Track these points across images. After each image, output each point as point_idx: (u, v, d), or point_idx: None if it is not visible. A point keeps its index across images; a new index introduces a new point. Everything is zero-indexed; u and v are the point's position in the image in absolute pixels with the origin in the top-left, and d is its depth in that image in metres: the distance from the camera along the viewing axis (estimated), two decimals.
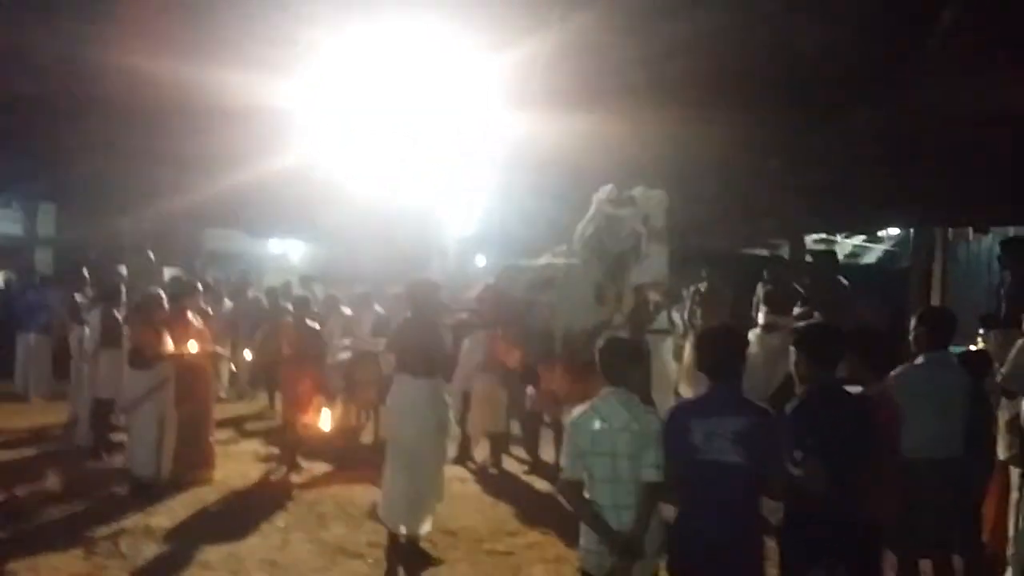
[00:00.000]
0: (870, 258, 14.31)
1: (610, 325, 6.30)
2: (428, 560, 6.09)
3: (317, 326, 9.04)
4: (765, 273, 10.20)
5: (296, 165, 12.34)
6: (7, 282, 16.10)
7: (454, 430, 7.28)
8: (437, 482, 6.20)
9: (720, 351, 3.85)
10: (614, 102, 9.61)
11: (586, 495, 3.83)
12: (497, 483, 8.51)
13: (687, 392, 10.05)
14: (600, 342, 4.15)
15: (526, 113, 10.81)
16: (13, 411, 11.09)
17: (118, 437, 8.62)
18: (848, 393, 3.96)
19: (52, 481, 7.84)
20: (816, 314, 9.02)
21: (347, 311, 10.72)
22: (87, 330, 9.25)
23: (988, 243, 11.54)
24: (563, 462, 3.94)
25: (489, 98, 11.46)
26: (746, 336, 4.05)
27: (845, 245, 13.34)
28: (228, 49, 9.96)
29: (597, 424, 3.81)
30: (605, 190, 6.61)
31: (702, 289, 10.19)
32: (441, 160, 13.04)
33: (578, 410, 3.94)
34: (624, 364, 4.00)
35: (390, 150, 12.82)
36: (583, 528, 3.86)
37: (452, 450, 8.21)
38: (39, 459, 8.66)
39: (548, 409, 8.88)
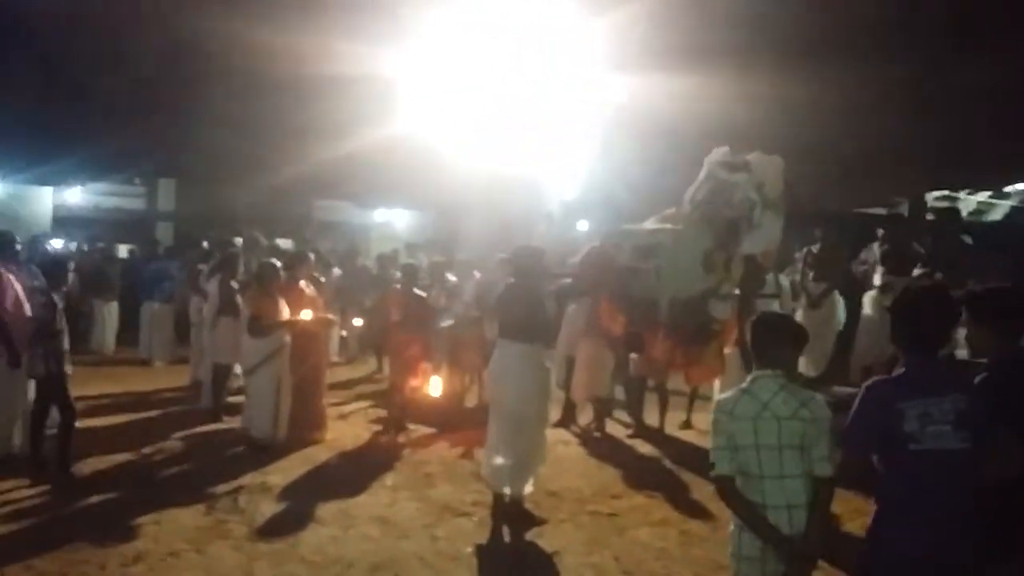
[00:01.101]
0: (996, 215, 13.58)
1: (717, 293, 6.18)
2: (532, 520, 6.15)
3: (424, 293, 9.15)
4: (879, 232, 9.80)
5: (401, 134, 12.52)
6: (131, 254, 16.91)
7: (557, 394, 7.25)
8: (539, 445, 6.25)
9: (927, 318, 3.25)
10: (718, 62, 9.37)
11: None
12: (600, 447, 8.50)
13: (802, 361, 9.79)
14: (755, 318, 3.71)
15: (628, 76, 10.66)
16: (138, 375, 11.70)
17: (237, 400, 8.95)
18: None
19: (175, 441, 8.23)
20: (938, 275, 8.65)
21: (452, 278, 10.83)
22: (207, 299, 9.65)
23: None
24: (714, 456, 3.42)
25: (591, 61, 11.34)
26: (956, 301, 3.46)
27: (969, 202, 12.67)
28: (335, 20, 10.15)
29: (758, 412, 3.34)
30: (719, 152, 6.43)
31: (814, 251, 9.85)
32: (544, 125, 12.99)
33: (727, 396, 3.51)
34: (784, 344, 3.51)
35: (493, 117, 12.85)
36: (736, 533, 3.42)
37: (555, 414, 8.23)
38: (163, 421, 9.08)
39: (652, 374, 8.81)
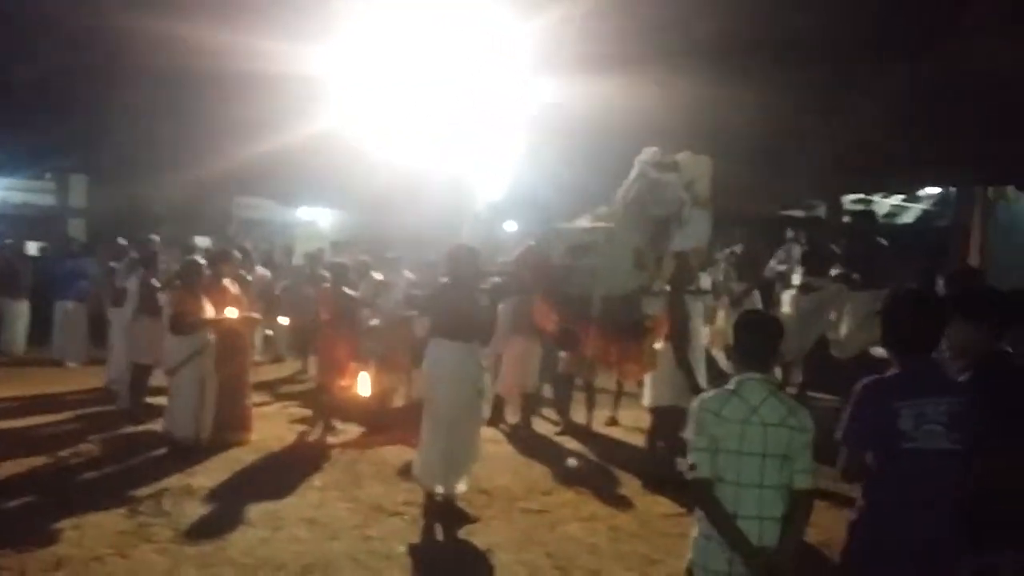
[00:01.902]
0: (908, 218, 14.14)
1: (649, 290, 6.28)
2: (464, 518, 6.15)
3: (353, 292, 9.06)
4: (791, 233, 10.09)
5: (326, 132, 12.36)
6: (42, 252, 16.30)
7: (489, 393, 7.27)
8: (473, 443, 6.27)
9: (915, 319, 3.30)
10: (645, 66, 9.51)
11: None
12: (529, 445, 8.55)
13: (719, 356, 10.03)
14: (739, 317, 3.64)
15: (556, 78, 10.74)
16: (51, 376, 11.26)
17: (157, 401, 8.72)
18: (1016, 366, 3.55)
19: (93, 444, 7.95)
20: (855, 276, 8.96)
21: (378, 276, 10.74)
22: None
23: None
24: (692, 458, 3.25)
25: (520, 62, 11.39)
26: (944, 304, 3.52)
27: (883, 205, 13.16)
28: (258, 14, 9.96)
29: (747, 416, 3.20)
30: (649, 152, 6.53)
31: (737, 251, 10.10)
32: (471, 125, 13.00)
33: (712, 396, 3.35)
34: (770, 345, 3.43)
35: (420, 116, 12.80)
36: (702, 543, 3.26)
37: (486, 412, 8.24)
38: (79, 423, 8.78)
39: (580, 372, 8.91)
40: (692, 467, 3.25)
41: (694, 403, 3.36)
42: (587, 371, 8.88)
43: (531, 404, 9.16)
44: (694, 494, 3.31)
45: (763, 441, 3.19)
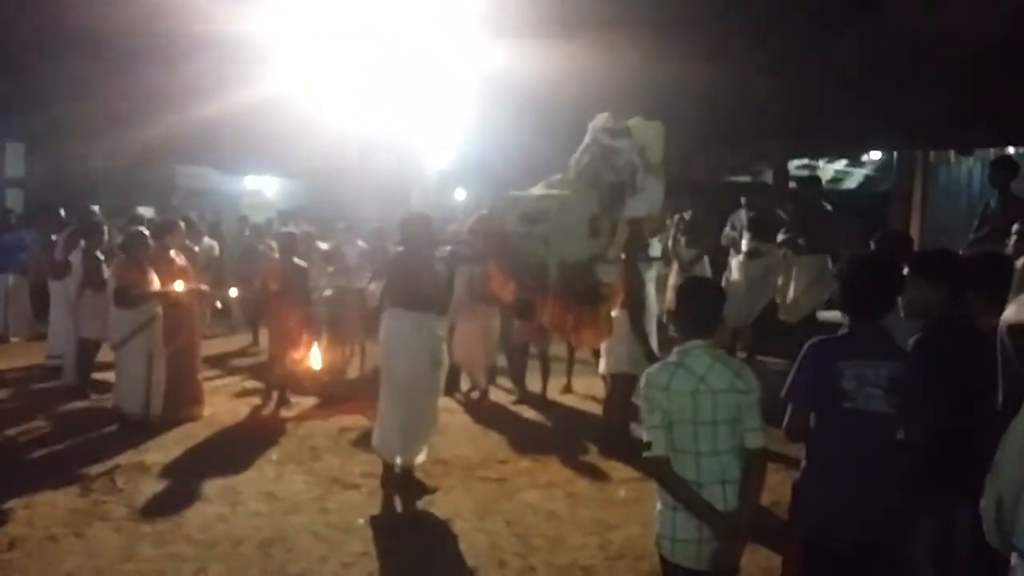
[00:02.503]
0: (851, 183, 14.39)
1: (604, 257, 6.31)
2: (423, 489, 6.16)
3: (303, 263, 8.96)
4: (744, 200, 10.22)
5: (270, 97, 12.16)
6: None
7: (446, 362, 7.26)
8: (431, 414, 6.27)
9: (869, 284, 3.38)
10: (592, 32, 9.52)
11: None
12: (485, 414, 8.57)
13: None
14: (681, 284, 3.62)
15: (504, 44, 10.68)
16: None
17: (105, 377, 8.57)
18: (974, 327, 3.56)
19: (41, 422, 7.83)
20: (801, 240, 9.13)
21: (324, 247, 10.63)
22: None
23: (969, 165, 11.61)
24: (649, 435, 3.23)
25: (466, 28, 11.29)
26: (900, 269, 3.56)
27: (827, 170, 13.38)
28: None
29: (695, 386, 3.21)
30: (601, 118, 6.53)
31: (686, 217, 10.20)
32: (418, 91, 12.88)
33: (657, 371, 3.32)
34: (713, 311, 3.43)
35: (366, 81, 12.64)
36: (669, 515, 3.27)
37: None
38: (25, 400, 8.64)
39: (535, 341, 8.95)
40: (648, 446, 3.25)
41: (642, 379, 3.36)
42: (542, 340, 8.92)
43: (487, 374, 9.18)
44: (654, 472, 3.32)
45: (713, 408, 3.21)
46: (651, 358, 6.93)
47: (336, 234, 11.24)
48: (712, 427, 3.21)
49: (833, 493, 3.27)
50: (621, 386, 7.12)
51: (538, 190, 6.62)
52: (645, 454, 3.28)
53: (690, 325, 3.37)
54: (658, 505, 3.37)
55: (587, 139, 6.62)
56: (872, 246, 5.01)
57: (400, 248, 6.35)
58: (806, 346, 3.41)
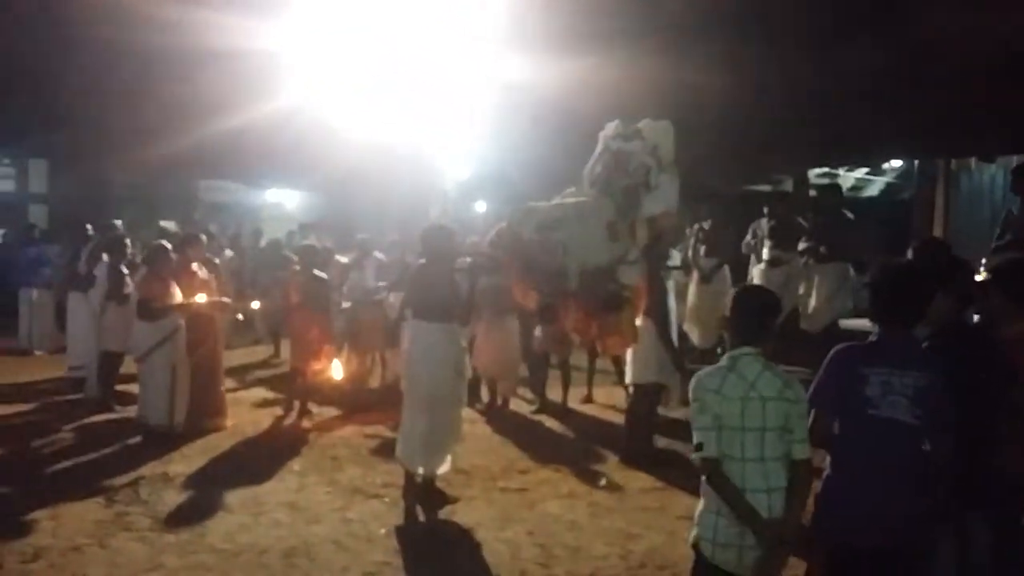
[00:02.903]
0: (872, 190, 14.31)
1: (626, 260, 6.31)
2: (444, 499, 6.17)
3: (324, 275, 9.01)
4: (766, 209, 10.20)
5: (290, 111, 12.23)
6: (3, 238, 15.99)
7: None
8: (455, 424, 6.28)
9: (901, 292, 3.38)
10: (611, 44, 9.52)
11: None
12: (506, 424, 8.59)
13: (694, 333, 10.13)
14: (736, 291, 3.63)
15: (523, 56, 10.70)
16: (18, 366, 11.15)
17: (128, 389, 8.64)
18: (986, 334, 3.66)
19: (65, 433, 7.91)
20: (822, 248, 9.08)
21: (343, 259, 10.67)
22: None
23: (991, 172, 11.53)
24: (698, 437, 3.26)
25: (485, 40, 11.33)
26: (932, 278, 3.56)
27: (848, 178, 13.31)
28: None
29: (746, 392, 3.24)
30: (611, 126, 6.56)
31: (705, 227, 10.18)
32: (437, 104, 12.93)
33: (709, 374, 3.35)
34: (766, 319, 3.42)
35: (385, 93, 12.70)
36: (712, 518, 3.29)
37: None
38: (50, 413, 8.71)
39: (555, 350, 8.95)
40: (699, 447, 3.28)
41: (692, 382, 3.37)
42: (562, 349, 8.92)
43: (512, 383, 9.19)
44: (703, 473, 3.31)
45: (763, 415, 3.22)
46: (679, 366, 6.94)
47: (355, 246, 11.28)
48: (760, 434, 3.23)
49: (855, 501, 3.27)
50: (647, 395, 7.11)
51: (556, 202, 6.64)
52: (695, 455, 3.31)
53: (742, 332, 3.39)
54: (699, 506, 3.39)
55: (599, 148, 6.65)
56: (910, 254, 4.99)
57: (422, 260, 6.37)
58: (832, 351, 3.42)
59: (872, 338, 3.46)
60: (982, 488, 3.41)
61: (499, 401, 9.11)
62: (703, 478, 3.33)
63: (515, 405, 9.23)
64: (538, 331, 8.67)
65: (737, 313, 3.45)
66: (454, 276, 6.27)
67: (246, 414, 8.72)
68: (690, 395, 3.39)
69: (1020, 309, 3.73)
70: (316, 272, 8.88)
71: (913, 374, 3.26)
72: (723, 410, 3.24)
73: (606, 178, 6.57)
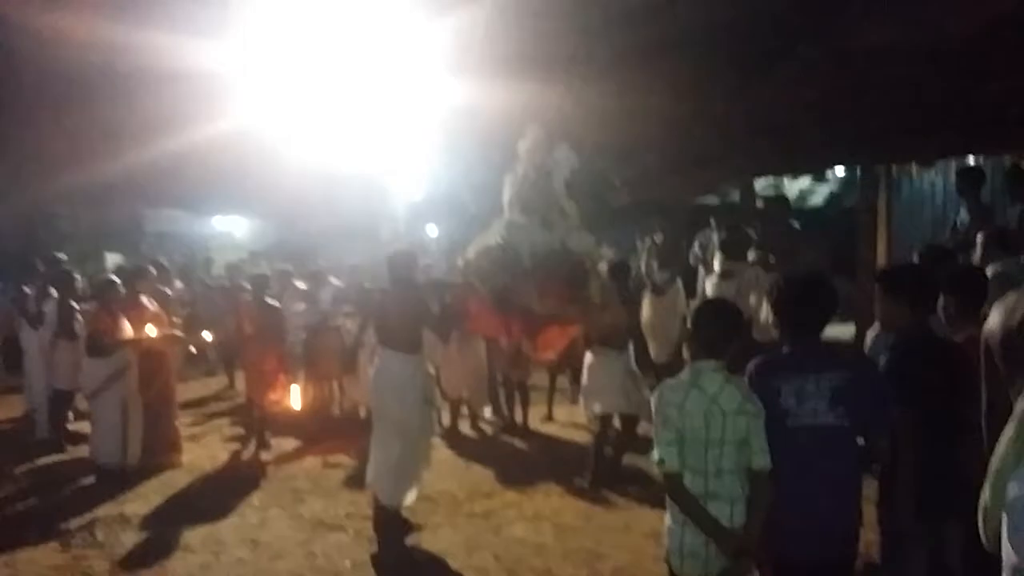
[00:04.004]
0: (817, 200, 14.58)
1: (571, 232, 6.56)
2: (409, 527, 6.12)
3: (277, 303, 8.92)
4: (713, 221, 10.33)
5: (237, 135, 12.09)
6: None
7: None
8: (425, 452, 6.28)
9: (803, 302, 3.45)
10: (556, 67, 9.59)
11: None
12: (468, 447, 8.57)
13: (651, 347, 10.21)
14: (698, 306, 3.68)
15: (470, 79, 10.71)
16: None
17: (80, 427, 8.46)
18: (940, 339, 3.66)
19: (16, 475, 7.70)
20: (771, 259, 9.21)
21: (301, 285, 10.59)
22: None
23: (931, 177, 11.81)
24: (660, 452, 3.30)
25: (432, 64, 11.34)
26: (829, 284, 3.62)
27: (792, 188, 13.56)
28: (161, 10, 9.66)
29: (708, 407, 3.26)
30: (529, 138, 6.90)
31: (657, 240, 10.28)
32: (384, 126, 12.90)
33: (672, 389, 3.38)
34: (728, 332, 3.44)
35: (332, 117, 12.64)
36: (678, 530, 3.34)
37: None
38: None
39: (513, 371, 8.96)
40: (661, 461, 3.31)
41: (654, 396, 3.40)
42: (520, 371, 8.94)
43: (464, 406, 9.19)
44: (666, 487, 3.36)
45: (722, 428, 3.26)
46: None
47: (309, 276, 11.21)
48: (720, 447, 3.27)
49: (791, 513, 3.29)
50: (625, 425, 7.14)
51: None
52: (658, 469, 3.34)
53: (704, 345, 3.42)
54: (666, 520, 3.42)
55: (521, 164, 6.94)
56: (916, 259, 5.12)
57: (386, 286, 6.35)
58: (748, 367, 3.48)
59: (783, 349, 3.51)
60: (953, 491, 3.44)
61: (470, 418, 9.09)
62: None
63: (473, 426, 9.21)
64: (498, 351, 8.70)
65: (699, 327, 3.49)
66: (422, 301, 6.24)
67: (202, 449, 8.56)
68: (653, 410, 3.41)
69: (971, 314, 3.84)
70: (269, 300, 8.79)
71: (828, 375, 3.29)
72: (685, 424, 3.27)
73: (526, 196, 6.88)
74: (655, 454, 3.34)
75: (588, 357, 7.17)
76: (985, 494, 2.50)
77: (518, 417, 9.10)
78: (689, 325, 3.56)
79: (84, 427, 8.33)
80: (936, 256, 5.10)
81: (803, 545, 3.32)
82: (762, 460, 3.28)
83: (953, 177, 10.11)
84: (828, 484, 3.30)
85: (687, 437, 3.27)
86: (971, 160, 10.40)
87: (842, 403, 3.27)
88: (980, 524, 2.56)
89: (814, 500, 3.28)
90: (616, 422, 7.13)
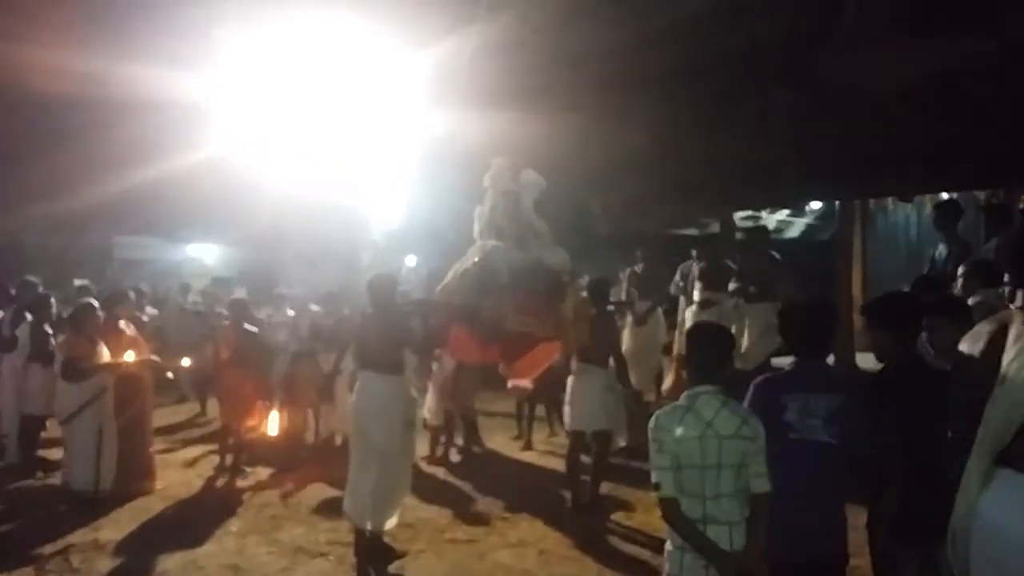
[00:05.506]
0: (793, 232, 14.76)
1: (543, 248, 6.63)
2: (393, 554, 6.03)
3: (255, 329, 8.83)
4: (694, 252, 10.41)
5: (211, 163, 12.02)
6: None
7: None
8: (404, 477, 6.19)
9: (812, 324, 3.68)
10: (536, 98, 9.67)
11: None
12: (446, 472, 8.49)
13: (631, 375, 10.23)
14: (691, 330, 3.80)
15: (449, 110, 10.78)
16: None
17: (51, 454, 8.27)
18: (930, 366, 3.73)
19: None
20: (751, 289, 9.29)
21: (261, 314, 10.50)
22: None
23: (906, 211, 12.01)
24: (657, 477, 3.32)
25: (412, 94, 11.39)
26: (835, 311, 3.93)
27: (770, 220, 13.71)
28: (135, 39, 9.63)
29: (703, 431, 3.30)
30: (496, 166, 6.99)
31: (638, 270, 10.34)
32: (363, 155, 12.90)
33: (667, 414, 3.40)
34: (722, 355, 3.50)
35: (310, 145, 12.61)
36: (678, 554, 3.35)
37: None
38: None
39: (450, 402, 8.92)
40: (657, 486, 3.32)
41: (651, 422, 3.41)
42: (460, 398, 8.94)
43: (452, 430, 9.13)
44: (663, 512, 3.37)
45: (719, 453, 3.28)
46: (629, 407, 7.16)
47: (273, 301, 11.13)
48: (716, 471, 3.29)
49: (785, 519, 3.38)
50: (598, 442, 7.12)
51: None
52: (654, 494, 3.37)
53: (700, 370, 3.47)
54: (667, 545, 3.43)
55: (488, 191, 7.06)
56: (910, 288, 5.25)
57: (368, 310, 6.30)
58: (753, 384, 3.67)
59: (787, 368, 3.75)
60: (943, 514, 3.47)
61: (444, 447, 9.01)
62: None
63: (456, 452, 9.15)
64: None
65: (694, 351, 3.55)
66: (403, 323, 6.21)
67: (176, 475, 8.39)
68: (649, 435, 3.42)
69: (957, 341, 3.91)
70: (247, 326, 8.69)
71: (826, 397, 3.51)
72: (681, 449, 3.29)
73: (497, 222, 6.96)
74: (652, 478, 3.35)
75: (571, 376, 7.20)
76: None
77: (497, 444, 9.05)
78: (682, 351, 3.70)
79: (53, 453, 8.16)
80: (928, 287, 5.19)
81: (797, 549, 3.48)
82: (762, 484, 3.32)
83: (927, 211, 10.30)
84: (818, 494, 3.52)
85: (683, 462, 3.30)
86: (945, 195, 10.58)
87: (836, 423, 3.48)
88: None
89: (808, 507, 3.48)
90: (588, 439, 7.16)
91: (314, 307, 10.14)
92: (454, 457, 9.08)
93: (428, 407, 8.68)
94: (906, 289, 5.40)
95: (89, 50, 9.60)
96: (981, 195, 10.35)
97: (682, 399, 3.43)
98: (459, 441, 9.32)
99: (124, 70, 9.81)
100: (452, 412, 9.01)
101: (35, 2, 9.22)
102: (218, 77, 11.15)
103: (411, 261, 14.52)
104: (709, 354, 3.47)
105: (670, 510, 3.31)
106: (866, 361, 9.09)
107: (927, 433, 3.51)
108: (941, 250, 7.16)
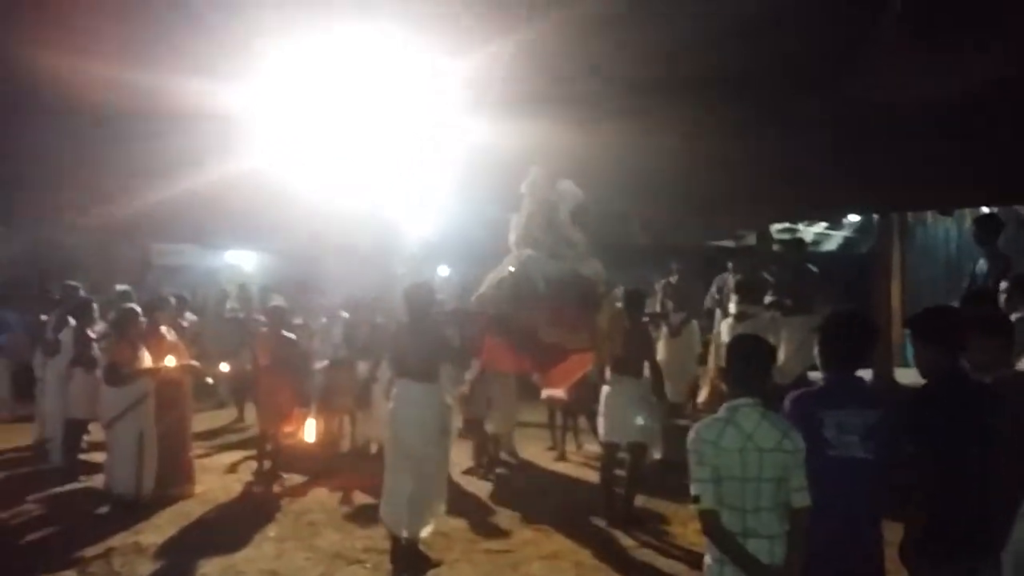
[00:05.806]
0: (831, 245, 14.63)
1: (581, 261, 6.64)
2: (428, 562, 6.07)
3: (293, 336, 8.93)
4: (730, 264, 10.39)
5: (251, 172, 12.17)
6: None
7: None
8: (440, 485, 6.24)
9: (852, 338, 3.60)
10: (572, 107, 9.71)
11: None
12: (480, 483, 8.51)
13: (667, 387, 10.22)
14: (732, 341, 3.77)
15: (486, 118, 10.83)
16: None
17: (93, 457, 8.42)
18: (972, 380, 3.67)
19: (31, 505, 7.64)
20: (787, 302, 9.25)
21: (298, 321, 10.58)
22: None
23: (945, 225, 11.88)
24: (696, 489, 3.30)
25: (449, 102, 11.46)
26: (871, 325, 3.82)
27: (807, 233, 13.61)
28: (180, 52, 9.80)
29: (743, 444, 3.27)
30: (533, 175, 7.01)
31: (673, 282, 10.33)
32: (399, 164, 12.99)
33: (707, 426, 3.39)
34: (763, 367, 3.47)
35: (348, 155, 12.73)
36: (716, 567, 3.34)
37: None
38: (12, 484, 8.40)
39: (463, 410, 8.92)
40: (697, 499, 3.30)
41: (690, 434, 3.41)
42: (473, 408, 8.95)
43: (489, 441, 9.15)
44: (702, 525, 3.35)
45: (759, 466, 3.27)
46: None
47: (305, 310, 11.22)
48: (757, 484, 3.27)
49: (823, 534, 3.34)
50: (633, 454, 7.12)
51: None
52: (694, 507, 3.35)
53: (740, 381, 3.45)
54: (706, 559, 3.42)
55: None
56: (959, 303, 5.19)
57: (405, 319, 6.37)
58: (787, 399, 3.57)
59: (821, 383, 3.66)
60: (989, 532, 3.47)
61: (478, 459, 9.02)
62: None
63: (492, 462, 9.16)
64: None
65: (733, 363, 3.53)
66: (440, 331, 6.27)
67: (215, 480, 8.51)
68: (688, 447, 3.42)
69: (1004, 357, 3.87)
70: (285, 333, 8.80)
71: (863, 413, 3.43)
72: (721, 462, 3.28)
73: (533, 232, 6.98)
74: (692, 490, 3.34)
75: (605, 386, 7.20)
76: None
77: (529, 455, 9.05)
78: (719, 363, 3.66)
79: (95, 457, 8.29)
80: (978, 301, 5.13)
81: (834, 564, 3.40)
82: (802, 498, 3.30)
83: (967, 225, 10.18)
84: (854, 510, 3.44)
85: (723, 475, 3.28)
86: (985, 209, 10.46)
87: (872, 439, 3.42)
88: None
89: (845, 523, 3.41)
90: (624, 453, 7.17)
91: (345, 314, 10.22)
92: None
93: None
94: (949, 304, 5.36)
95: (135, 64, 9.77)
96: (1022, 209, 10.20)
97: (722, 411, 3.42)
98: (502, 454, 9.33)
99: (167, 82, 9.98)
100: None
101: (83, 17, 9.39)
102: (258, 88, 11.29)
103: (444, 271, 14.59)
104: (749, 366, 3.45)
105: (710, 523, 3.29)
106: (905, 376, 9.03)
107: (968, 448, 3.48)
108: (981, 264, 7.08)
